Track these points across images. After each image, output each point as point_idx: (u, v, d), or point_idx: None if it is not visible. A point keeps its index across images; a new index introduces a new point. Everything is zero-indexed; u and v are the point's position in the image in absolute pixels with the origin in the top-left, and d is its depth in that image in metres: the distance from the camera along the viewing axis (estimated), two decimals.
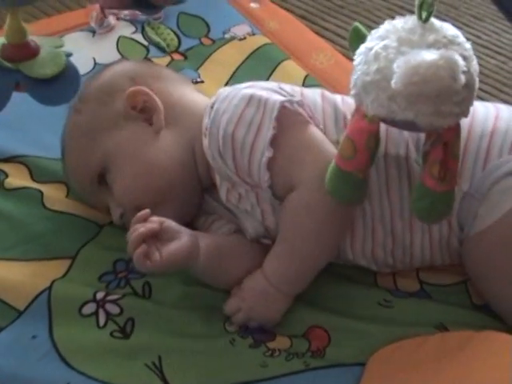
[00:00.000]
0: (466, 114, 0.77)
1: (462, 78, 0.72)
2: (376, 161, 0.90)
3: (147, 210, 0.88)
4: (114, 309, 0.91)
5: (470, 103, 0.77)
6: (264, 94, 0.92)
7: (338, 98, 0.98)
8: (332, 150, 0.88)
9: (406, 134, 0.91)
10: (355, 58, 0.79)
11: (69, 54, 0.97)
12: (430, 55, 0.70)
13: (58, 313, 0.90)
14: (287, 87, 0.97)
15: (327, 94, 0.98)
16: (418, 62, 0.70)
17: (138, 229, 0.86)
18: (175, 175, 0.97)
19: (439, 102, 0.73)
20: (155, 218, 0.88)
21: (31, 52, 0.93)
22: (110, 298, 0.92)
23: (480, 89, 1.38)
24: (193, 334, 0.90)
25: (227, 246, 0.94)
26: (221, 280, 0.94)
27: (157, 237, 0.87)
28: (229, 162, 0.91)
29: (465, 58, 0.74)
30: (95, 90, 1.01)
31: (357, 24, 0.81)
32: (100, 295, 0.92)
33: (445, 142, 0.78)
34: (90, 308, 0.91)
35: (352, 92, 0.79)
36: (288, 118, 0.90)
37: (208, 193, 1.00)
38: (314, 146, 0.90)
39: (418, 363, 0.83)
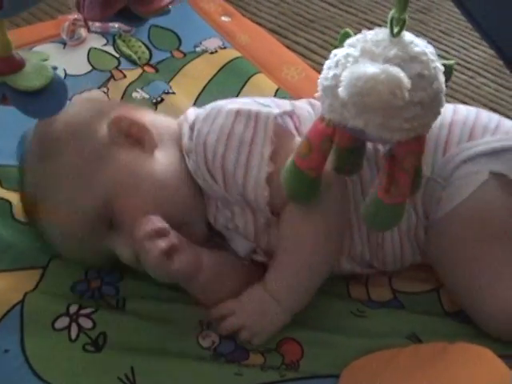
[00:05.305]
0: (419, 131, 0.77)
1: (406, 95, 0.71)
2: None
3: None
4: (86, 323, 0.90)
5: (425, 122, 0.77)
6: (252, 107, 0.92)
7: (310, 108, 0.98)
8: None
9: None
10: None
11: (54, 68, 0.96)
12: (372, 69, 0.71)
13: (31, 327, 0.89)
14: (279, 101, 0.98)
15: (297, 104, 0.99)
16: (358, 74, 0.71)
17: (150, 226, 0.85)
18: (182, 191, 0.92)
19: (388, 116, 0.73)
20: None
21: (17, 65, 0.92)
22: (83, 311, 0.91)
23: (449, 103, 1.40)
24: (166, 347, 0.89)
25: (226, 261, 0.93)
26: (215, 295, 0.91)
27: None
28: (220, 182, 0.90)
29: (422, 77, 0.74)
30: (61, 129, 0.92)
31: (347, 29, 0.82)
32: (73, 309, 0.91)
33: (393, 156, 0.79)
34: (62, 322, 0.90)
35: (316, 95, 0.80)
36: (282, 132, 0.90)
37: None
38: None
39: (391, 375, 0.83)
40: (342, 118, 0.75)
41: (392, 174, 0.79)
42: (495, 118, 0.98)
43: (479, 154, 0.91)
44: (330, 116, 0.77)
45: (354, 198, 0.92)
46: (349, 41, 0.77)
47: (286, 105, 0.97)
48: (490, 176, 0.90)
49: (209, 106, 0.96)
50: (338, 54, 0.76)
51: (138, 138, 0.92)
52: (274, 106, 0.96)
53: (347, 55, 0.75)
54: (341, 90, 0.72)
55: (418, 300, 0.97)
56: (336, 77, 0.75)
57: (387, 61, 0.73)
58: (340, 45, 0.79)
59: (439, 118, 0.85)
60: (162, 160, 0.92)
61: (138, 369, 0.86)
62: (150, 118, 0.97)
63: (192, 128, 0.93)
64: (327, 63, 0.78)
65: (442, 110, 0.93)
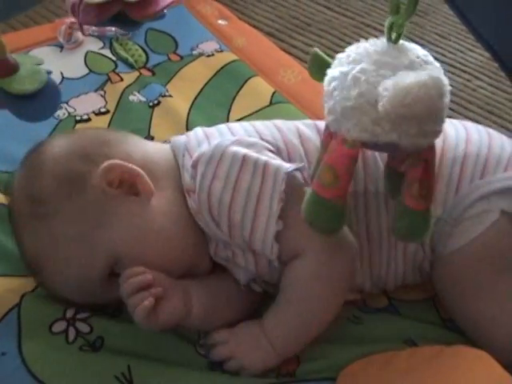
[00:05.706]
0: (441, 132, 0.77)
1: (448, 97, 0.72)
2: (356, 197, 0.89)
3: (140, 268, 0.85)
4: (84, 327, 0.90)
5: (444, 120, 0.77)
6: (260, 156, 0.86)
7: (316, 138, 0.93)
8: None
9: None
10: (326, 83, 0.78)
11: (49, 72, 0.96)
12: (417, 76, 0.71)
13: (28, 330, 0.89)
14: (268, 135, 0.92)
15: (304, 133, 0.94)
16: (408, 84, 0.70)
17: (133, 281, 0.84)
18: (188, 236, 0.90)
19: (423, 122, 0.73)
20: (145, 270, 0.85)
21: (11, 68, 0.92)
22: (79, 316, 0.91)
23: (456, 119, 1.41)
24: (163, 353, 0.89)
25: (220, 291, 0.91)
26: (211, 326, 0.90)
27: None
28: (224, 229, 0.86)
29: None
30: (50, 185, 0.88)
31: (316, 50, 0.81)
32: (70, 313, 0.91)
33: (425, 161, 0.78)
34: (60, 326, 0.90)
35: (329, 118, 0.78)
36: (292, 188, 0.85)
37: None
38: None
39: (388, 378, 0.83)
40: (373, 135, 0.74)
41: (425, 179, 0.78)
42: (507, 146, 0.95)
43: (491, 193, 0.90)
44: (357, 136, 0.75)
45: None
46: (349, 58, 0.76)
47: (292, 135, 0.93)
48: (501, 215, 0.89)
49: (211, 144, 0.90)
50: (348, 72, 0.75)
51: (131, 185, 0.89)
52: (282, 142, 0.91)
53: (363, 70, 0.74)
54: (382, 105, 0.71)
55: (414, 307, 0.97)
56: (363, 94, 0.73)
57: (406, 68, 0.73)
58: (313, 66, 0.79)
59: (453, 151, 0.85)
60: (161, 206, 0.89)
61: (135, 367, 0.85)
62: (141, 154, 0.92)
63: (194, 167, 0.88)
64: (336, 84, 0.76)
65: (455, 135, 0.93)
